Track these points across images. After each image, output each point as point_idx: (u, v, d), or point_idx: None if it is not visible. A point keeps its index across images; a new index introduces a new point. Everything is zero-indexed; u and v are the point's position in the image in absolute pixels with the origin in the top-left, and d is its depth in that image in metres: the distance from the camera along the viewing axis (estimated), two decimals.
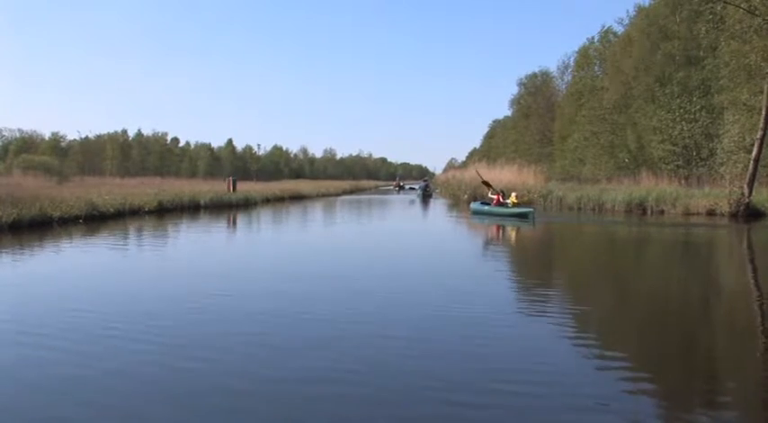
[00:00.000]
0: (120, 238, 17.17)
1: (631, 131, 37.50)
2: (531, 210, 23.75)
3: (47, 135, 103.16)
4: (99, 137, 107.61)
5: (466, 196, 38.58)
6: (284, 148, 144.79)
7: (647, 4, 39.67)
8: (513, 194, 26.23)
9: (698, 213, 24.97)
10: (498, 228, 21.36)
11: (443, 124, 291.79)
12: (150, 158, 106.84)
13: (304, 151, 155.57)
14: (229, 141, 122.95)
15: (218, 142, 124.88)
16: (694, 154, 33.45)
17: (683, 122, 32.86)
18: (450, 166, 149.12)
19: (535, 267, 12.95)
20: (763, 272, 11.96)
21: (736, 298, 9.38)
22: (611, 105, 40.44)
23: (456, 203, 38.93)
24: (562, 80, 58.21)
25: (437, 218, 28.96)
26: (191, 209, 29.10)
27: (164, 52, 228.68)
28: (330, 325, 6.95)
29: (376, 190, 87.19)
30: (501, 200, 25.94)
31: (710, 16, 27.34)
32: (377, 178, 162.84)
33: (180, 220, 24.01)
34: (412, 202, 43.19)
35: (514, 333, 6.74)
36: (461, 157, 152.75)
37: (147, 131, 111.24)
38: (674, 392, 5.01)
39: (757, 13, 22.89)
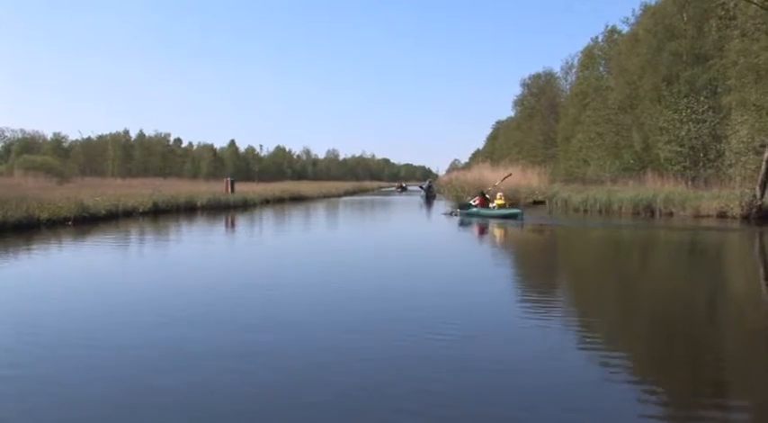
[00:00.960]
0: (105, 241, 16.61)
1: (637, 132, 36.80)
2: (519, 211, 23.98)
3: (49, 135, 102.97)
4: (101, 137, 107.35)
5: (469, 198, 37.82)
6: (287, 149, 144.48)
7: (653, 2, 39.08)
8: (500, 195, 26.52)
9: (708, 216, 24.21)
10: (505, 232, 20.64)
11: (446, 125, 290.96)
12: (152, 159, 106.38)
13: (307, 152, 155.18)
14: (232, 142, 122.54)
15: (220, 143, 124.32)
16: (701, 155, 32.75)
17: (690, 123, 32.14)
18: (454, 167, 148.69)
19: (542, 273, 12.40)
20: None
21: (748, 304, 8.90)
22: (616, 105, 39.75)
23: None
24: (566, 81, 57.65)
25: (438, 220, 28.16)
26: (187, 210, 28.52)
27: (167, 53, 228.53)
28: (314, 332, 6.68)
29: (378, 191, 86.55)
30: (484, 201, 26.42)
31: (723, 12, 26.67)
32: (380, 179, 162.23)
33: (174, 221, 23.49)
34: (414, 202, 42.34)
35: (519, 338, 6.67)
36: (464, 159, 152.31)
37: (149, 132, 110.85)
38: (682, 400, 4.95)
39: None
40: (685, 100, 32.44)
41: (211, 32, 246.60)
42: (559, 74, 58.56)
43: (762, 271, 12.44)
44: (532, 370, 5.47)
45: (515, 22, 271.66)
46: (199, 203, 29.89)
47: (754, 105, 26.14)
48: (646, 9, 39.40)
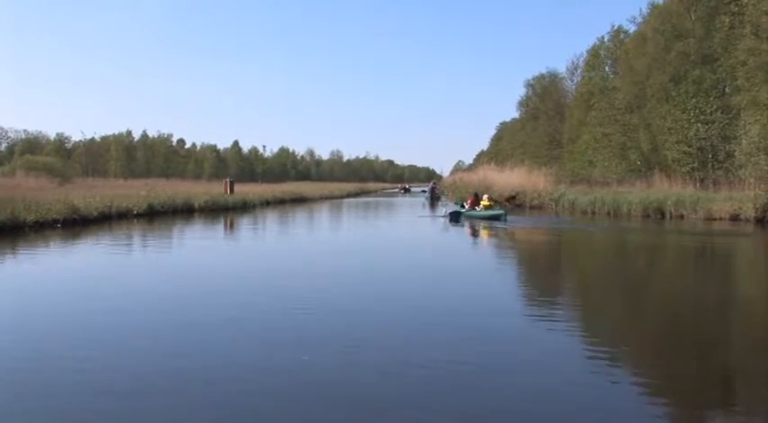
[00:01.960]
0: (90, 245, 16.02)
1: (644, 132, 36.11)
2: (502, 212, 24.43)
3: (52, 136, 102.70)
4: (104, 138, 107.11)
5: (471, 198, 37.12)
6: (291, 150, 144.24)
7: (660, 1, 38.36)
8: (486, 197, 27.28)
9: (720, 218, 23.44)
10: (514, 236, 19.95)
11: (450, 126, 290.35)
12: (155, 160, 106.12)
13: (311, 153, 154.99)
14: (235, 143, 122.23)
15: (224, 144, 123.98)
16: (710, 156, 32.06)
17: (699, 123, 31.45)
18: (458, 168, 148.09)
19: (548, 277, 11.77)
20: None
21: (760, 311, 8.45)
22: (622, 106, 39.06)
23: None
24: (571, 81, 56.99)
25: (437, 223, 27.38)
26: (184, 212, 27.93)
27: (170, 53, 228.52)
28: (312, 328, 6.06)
29: (381, 193, 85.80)
30: (475, 202, 27.03)
31: (736, 8, 26.00)
32: (383, 180, 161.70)
33: (169, 223, 22.89)
34: (417, 204, 41.32)
35: (525, 340, 6.67)
36: (469, 160, 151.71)
37: (152, 133, 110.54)
38: (690, 405, 4.91)
39: None
40: (694, 100, 31.77)
41: (215, 33, 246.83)
42: (564, 74, 57.98)
43: None
44: (539, 372, 5.47)
45: (519, 22, 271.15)
46: (197, 205, 29.28)
47: (765, 105, 25.47)
48: (653, 8, 38.73)
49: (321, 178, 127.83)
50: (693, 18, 33.61)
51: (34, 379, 5.22)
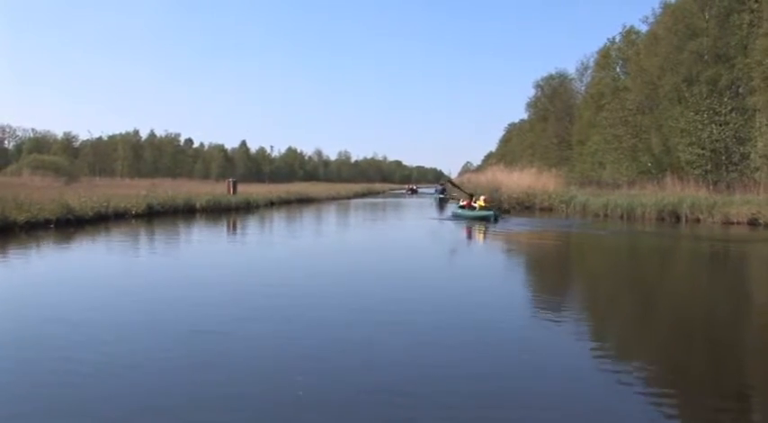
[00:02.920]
0: (79, 246, 15.47)
1: (656, 134, 35.36)
2: (491, 213, 24.82)
3: (60, 135, 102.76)
4: (111, 137, 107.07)
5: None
6: (299, 151, 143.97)
7: (673, 0, 37.57)
8: (482, 198, 27.43)
9: (738, 222, 22.64)
10: (526, 241, 19.30)
11: (459, 128, 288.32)
12: (163, 160, 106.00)
13: (318, 153, 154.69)
14: (243, 143, 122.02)
15: (232, 144, 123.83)
16: (723, 158, 31.30)
17: (713, 125, 30.69)
18: (466, 169, 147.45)
19: (558, 282, 11.08)
20: None
21: None
22: (634, 107, 38.32)
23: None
24: (581, 82, 56.36)
25: (446, 226, 26.77)
26: (185, 212, 27.39)
27: (178, 53, 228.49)
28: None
29: (388, 193, 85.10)
30: (471, 203, 27.37)
31: (756, 5, 25.31)
32: (391, 181, 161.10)
33: (168, 224, 22.36)
34: (425, 205, 40.24)
35: (534, 343, 6.62)
36: (477, 161, 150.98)
37: (159, 132, 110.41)
38: (702, 412, 4.80)
39: None
40: (707, 101, 31.02)
41: (224, 32, 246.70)
42: (574, 75, 57.36)
43: None
44: (548, 375, 5.47)
45: (528, 23, 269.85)
46: (198, 205, 28.73)
47: None
48: (665, 7, 37.96)
49: (329, 179, 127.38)
50: (707, 17, 32.84)
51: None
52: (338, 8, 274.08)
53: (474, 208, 26.57)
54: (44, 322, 7.14)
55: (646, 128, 37.12)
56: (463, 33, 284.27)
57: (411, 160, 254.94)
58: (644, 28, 42.27)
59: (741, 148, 30.03)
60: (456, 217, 26.93)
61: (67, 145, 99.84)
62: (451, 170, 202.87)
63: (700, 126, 31.09)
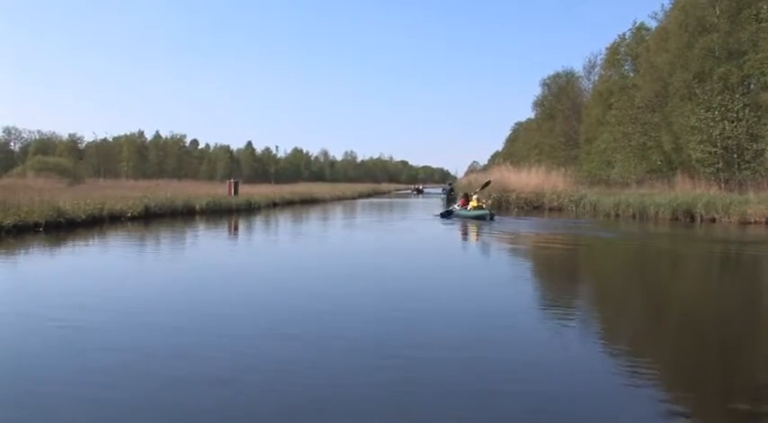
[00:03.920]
0: (63, 251, 14.84)
1: (666, 132, 34.55)
2: (486, 212, 25.20)
3: (65, 137, 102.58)
4: (116, 138, 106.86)
5: (490, 200, 35.72)
6: (304, 151, 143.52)
7: None
8: (475, 198, 27.68)
9: (756, 222, 21.80)
10: (542, 248, 18.57)
11: (465, 127, 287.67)
12: (168, 161, 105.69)
13: (324, 154, 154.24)
14: (249, 143, 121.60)
15: (238, 145, 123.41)
16: (735, 156, 30.49)
17: (725, 121, 29.88)
18: (472, 169, 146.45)
19: (567, 287, 10.36)
20: None
21: None
22: (643, 104, 37.52)
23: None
24: (588, 80, 55.66)
25: (452, 227, 26.02)
26: (184, 214, 26.78)
27: (184, 54, 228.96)
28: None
29: (394, 194, 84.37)
30: (466, 202, 27.96)
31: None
32: (398, 181, 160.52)
33: (166, 227, 21.73)
34: (433, 206, 39.12)
35: (542, 344, 6.57)
36: (483, 161, 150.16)
37: (165, 133, 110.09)
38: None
39: None
40: (719, 98, 30.22)
41: (230, 33, 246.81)
42: (581, 73, 56.68)
43: None
44: (554, 376, 5.45)
45: (533, 21, 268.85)
46: (197, 207, 28.11)
47: None
48: (675, 2, 37.16)
49: (335, 179, 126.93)
50: (718, 12, 32.06)
51: None
52: (349, 8, 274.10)
53: (468, 208, 26.98)
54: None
55: (655, 125, 36.35)
56: (468, 32, 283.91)
57: (417, 160, 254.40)
58: (653, 24, 41.70)
59: (754, 146, 29.28)
60: (455, 216, 27.18)
61: (73, 146, 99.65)
62: (458, 170, 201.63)
63: (711, 123, 30.30)
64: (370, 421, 4.46)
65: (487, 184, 34.48)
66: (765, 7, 26.54)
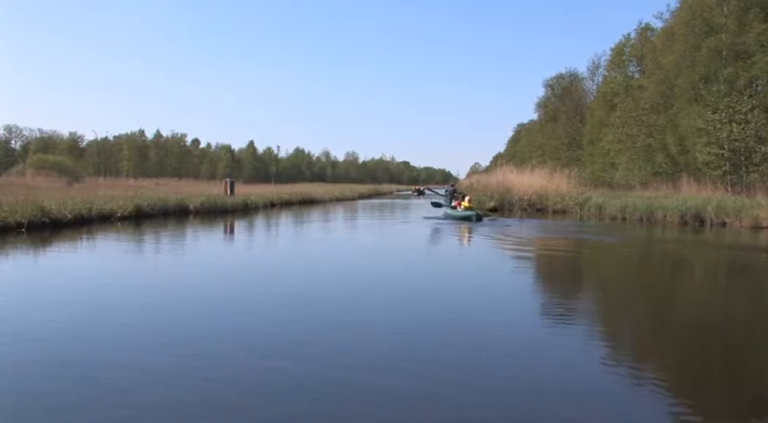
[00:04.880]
0: (36, 254, 14.19)
1: (672, 134, 33.88)
2: (472, 213, 25.46)
3: (66, 135, 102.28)
4: (117, 137, 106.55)
5: (492, 203, 35.03)
6: (306, 151, 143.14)
7: None
8: (467, 199, 28.34)
9: None
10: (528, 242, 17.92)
11: (467, 129, 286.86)
12: (168, 160, 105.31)
13: (326, 154, 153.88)
14: (251, 143, 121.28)
15: (240, 144, 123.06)
16: (743, 159, 29.82)
17: (733, 123, 29.21)
18: (474, 170, 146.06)
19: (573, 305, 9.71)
20: None
21: None
22: (648, 106, 36.86)
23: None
24: (592, 81, 55.08)
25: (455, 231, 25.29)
26: (177, 214, 26.14)
27: (186, 53, 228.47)
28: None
29: (394, 194, 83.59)
30: (459, 204, 28.26)
31: None
32: (399, 182, 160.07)
33: (156, 227, 21.08)
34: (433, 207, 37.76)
35: (543, 348, 6.50)
36: (485, 162, 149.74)
37: (166, 132, 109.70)
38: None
39: None
40: (726, 99, 29.54)
41: (232, 32, 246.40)
42: (585, 74, 56.11)
43: None
44: (555, 378, 5.42)
45: (535, 22, 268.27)
46: (192, 207, 27.47)
47: None
48: (682, 2, 36.47)
49: (337, 179, 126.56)
50: (726, 12, 31.40)
51: None
52: (351, 9, 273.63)
53: (460, 208, 27.45)
54: None
55: (661, 127, 35.70)
56: (471, 33, 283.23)
57: (419, 161, 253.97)
58: (658, 25, 41.04)
59: (762, 148, 28.69)
60: (446, 217, 27.51)
61: (73, 145, 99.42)
62: (460, 171, 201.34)
63: (718, 125, 29.64)
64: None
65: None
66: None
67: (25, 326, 6.99)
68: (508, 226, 23.37)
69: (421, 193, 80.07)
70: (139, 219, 23.23)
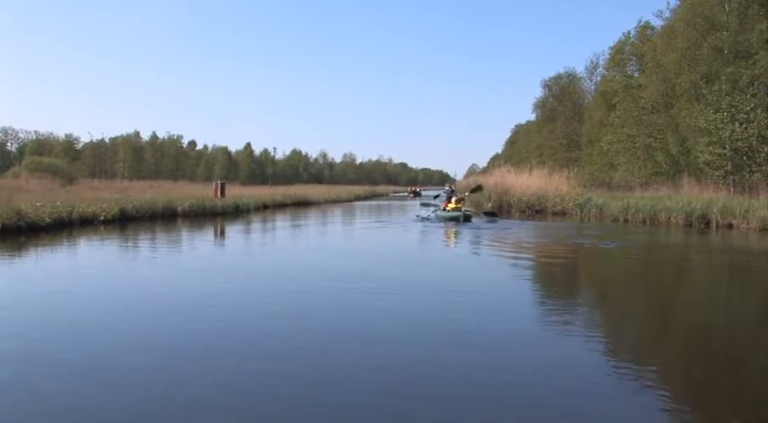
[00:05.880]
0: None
1: (672, 133, 33.23)
2: (459, 214, 25.22)
3: (62, 137, 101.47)
4: (113, 139, 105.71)
5: (490, 204, 34.29)
6: (303, 153, 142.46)
7: None
8: (454, 199, 27.86)
9: None
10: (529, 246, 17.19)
11: (464, 130, 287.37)
12: (164, 161, 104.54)
13: (323, 156, 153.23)
14: (247, 145, 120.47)
15: (237, 146, 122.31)
16: (746, 159, 29.16)
17: (735, 123, 28.56)
18: (471, 171, 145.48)
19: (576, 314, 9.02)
20: None
21: None
22: (649, 105, 36.23)
23: (478, 213, 30.97)
24: (590, 81, 54.59)
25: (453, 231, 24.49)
26: (164, 217, 25.38)
27: (182, 55, 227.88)
28: None
29: (391, 196, 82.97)
30: (447, 205, 27.96)
31: None
32: (397, 183, 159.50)
33: (141, 231, 20.31)
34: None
35: (542, 348, 6.40)
36: (482, 163, 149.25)
37: (162, 134, 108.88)
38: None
39: None
40: (728, 98, 28.88)
41: (229, 34, 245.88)
42: (583, 74, 55.60)
43: None
44: (553, 380, 5.35)
45: (532, 23, 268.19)
46: (180, 209, 26.73)
47: None
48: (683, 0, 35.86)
49: (334, 181, 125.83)
50: (727, 9, 30.77)
51: None
52: (349, 10, 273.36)
53: (447, 209, 27.25)
54: None
55: (661, 127, 35.08)
56: (468, 34, 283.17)
57: (417, 162, 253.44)
58: (658, 23, 40.45)
59: (766, 148, 28.03)
60: (437, 218, 27.27)
61: (69, 147, 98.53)
62: (457, 172, 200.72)
63: (720, 125, 28.99)
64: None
65: (478, 188, 33.75)
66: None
67: None
68: (507, 229, 22.49)
69: (417, 194, 79.68)
70: (124, 222, 22.49)
